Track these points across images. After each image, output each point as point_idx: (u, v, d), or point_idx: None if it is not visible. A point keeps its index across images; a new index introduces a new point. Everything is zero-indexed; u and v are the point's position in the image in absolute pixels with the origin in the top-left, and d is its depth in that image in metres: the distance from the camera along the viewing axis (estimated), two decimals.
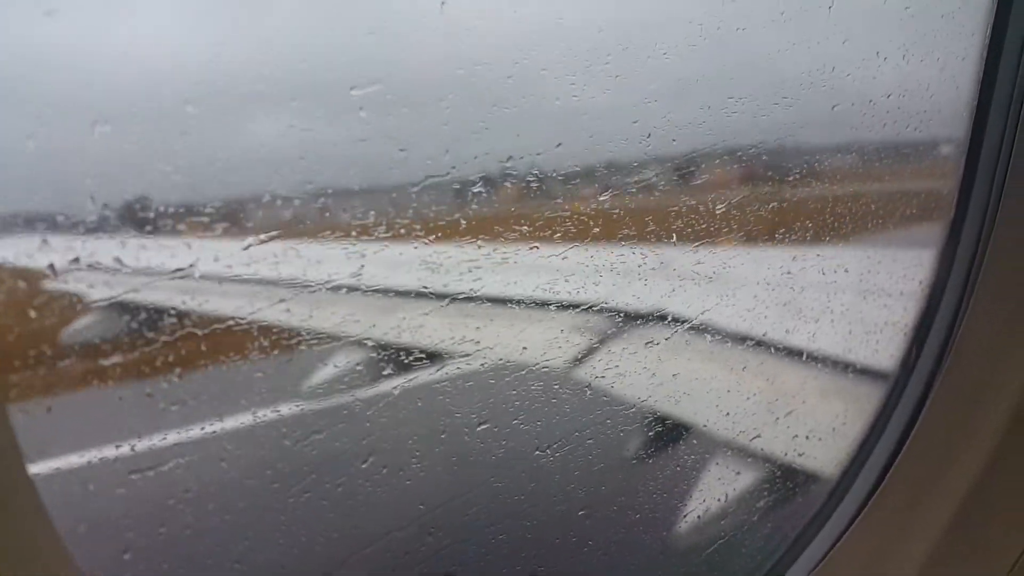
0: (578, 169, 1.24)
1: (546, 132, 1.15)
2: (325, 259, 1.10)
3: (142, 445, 1.07)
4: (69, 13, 0.87)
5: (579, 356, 1.47)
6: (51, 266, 0.89)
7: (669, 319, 1.52)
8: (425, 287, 1.19)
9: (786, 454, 1.71)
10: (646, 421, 1.60)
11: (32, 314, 0.95)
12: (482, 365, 1.31)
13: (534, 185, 1.19)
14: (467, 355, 1.26)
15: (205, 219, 0.99)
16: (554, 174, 1.19)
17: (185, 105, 0.92)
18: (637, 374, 1.51)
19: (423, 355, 1.24)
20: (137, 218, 0.97)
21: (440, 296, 1.19)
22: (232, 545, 1.21)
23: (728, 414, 1.69)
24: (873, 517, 1.43)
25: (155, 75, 0.95)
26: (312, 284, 1.09)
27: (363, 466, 1.14)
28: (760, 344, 1.64)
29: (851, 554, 1.45)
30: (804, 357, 1.68)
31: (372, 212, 1.11)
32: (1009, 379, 1.27)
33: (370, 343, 1.21)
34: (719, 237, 1.47)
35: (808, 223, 1.61)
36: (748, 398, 1.70)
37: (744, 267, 1.55)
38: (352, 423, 1.19)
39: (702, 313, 1.53)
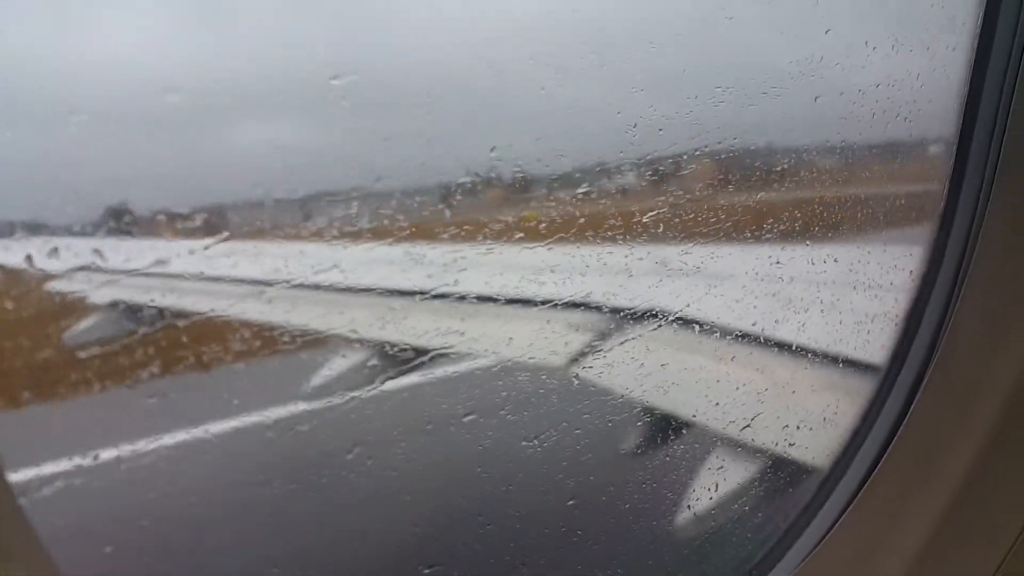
0: (564, 159, 1.23)
1: (531, 122, 1.14)
2: (310, 257, 1.10)
3: (125, 449, 1.07)
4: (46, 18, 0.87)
5: (566, 348, 1.47)
6: (28, 257, 0.89)
7: (657, 311, 1.52)
8: (409, 282, 1.19)
9: (776, 445, 1.71)
10: (635, 412, 1.60)
11: (7, 317, 0.95)
12: (467, 357, 1.31)
13: (518, 176, 1.19)
14: (452, 347, 1.26)
15: (184, 221, 0.99)
16: (539, 163, 1.19)
17: (170, 101, 0.91)
18: (625, 364, 1.51)
19: (408, 348, 1.24)
20: (122, 220, 0.97)
21: (424, 291, 1.19)
22: (218, 543, 1.22)
23: (717, 404, 1.69)
24: (864, 508, 1.44)
25: (143, 76, 0.94)
26: (294, 282, 1.08)
27: (348, 457, 1.14)
28: (748, 336, 1.64)
29: (842, 545, 1.46)
30: (793, 349, 1.68)
31: (354, 208, 1.11)
32: (1000, 371, 1.27)
33: (354, 338, 1.21)
34: (706, 228, 1.46)
35: (797, 214, 1.61)
36: (737, 388, 1.70)
37: (732, 259, 1.55)
38: (337, 415, 1.19)
39: (689, 305, 1.53)
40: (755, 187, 1.51)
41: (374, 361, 1.22)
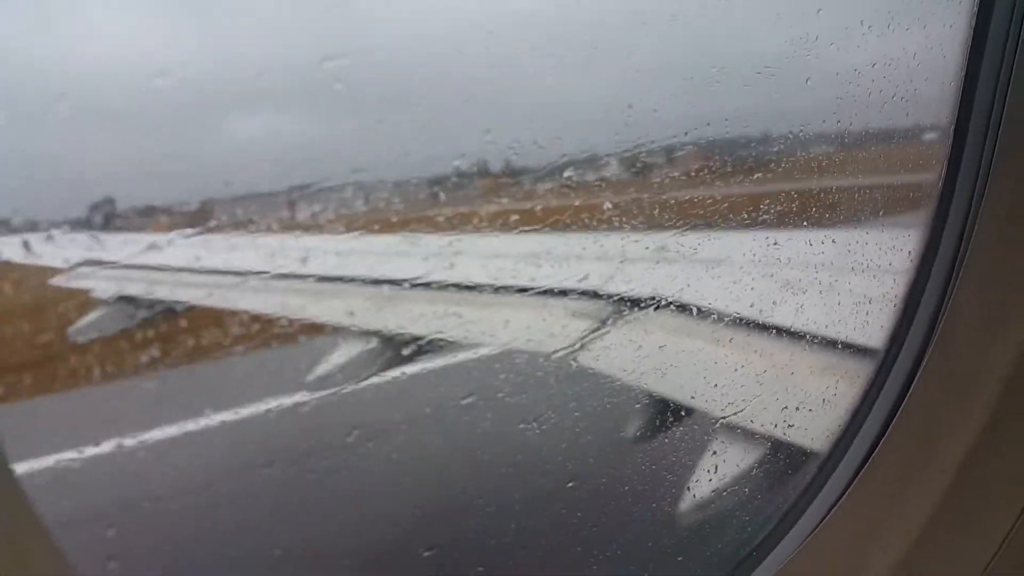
0: (559, 142, 1.23)
1: (526, 107, 1.14)
2: (307, 249, 1.10)
3: (130, 440, 1.08)
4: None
5: (564, 331, 1.47)
6: (25, 243, 0.89)
7: (653, 295, 1.52)
8: (407, 268, 1.19)
9: (775, 428, 1.71)
10: (632, 395, 1.60)
11: (8, 313, 0.95)
12: (466, 342, 1.31)
13: (514, 161, 1.19)
14: (450, 332, 1.26)
15: (171, 215, 0.99)
16: (535, 147, 1.19)
17: (159, 86, 0.91)
18: (622, 348, 1.51)
19: (407, 333, 1.24)
20: (107, 213, 0.97)
21: (421, 278, 1.19)
22: (221, 527, 1.22)
23: (716, 386, 1.69)
24: (863, 491, 1.43)
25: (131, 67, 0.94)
26: (284, 272, 1.09)
27: (348, 441, 1.14)
28: (746, 319, 1.64)
29: (841, 528, 1.45)
30: (791, 332, 1.68)
31: (350, 199, 1.11)
32: (998, 353, 1.27)
33: (354, 325, 1.22)
34: (702, 211, 1.46)
35: (793, 195, 1.60)
36: (735, 370, 1.70)
37: (728, 242, 1.54)
38: (337, 398, 1.20)
39: (685, 288, 1.52)
40: (751, 170, 1.50)
41: (373, 348, 1.22)
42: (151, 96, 0.88)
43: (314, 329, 1.18)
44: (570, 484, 1.45)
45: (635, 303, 1.51)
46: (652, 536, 1.67)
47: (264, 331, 1.10)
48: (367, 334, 1.27)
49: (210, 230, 1.00)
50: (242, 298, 1.08)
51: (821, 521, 1.46)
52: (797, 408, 1.71)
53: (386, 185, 1.13)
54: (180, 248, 0.99)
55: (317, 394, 1.23)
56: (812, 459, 1.62)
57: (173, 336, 1.03)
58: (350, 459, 1.20)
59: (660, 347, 1.57)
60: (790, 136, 1.52)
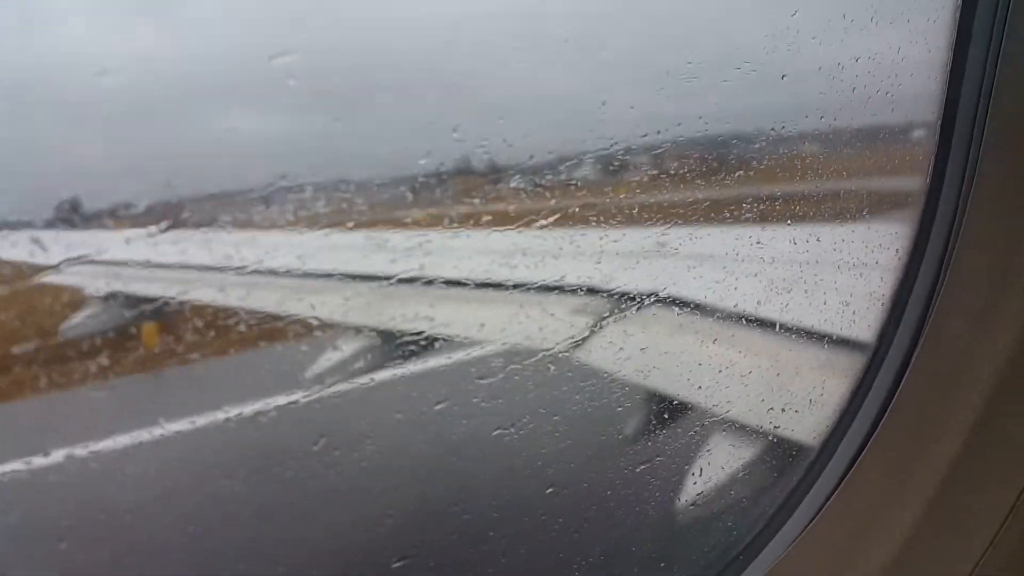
0: (530, 139, 1.21)
1: (499, 103, 1.12)
2: (281, 246, 1.09)
3: (127, 441, 1.07)
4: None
5: (540, 333, 1.45)
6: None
7: (635, 293, 1.50)
8: (373, 267, 1.18)
9: (762, 427, 1.71)
10: (615, 397, 1.59)
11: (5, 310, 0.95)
12: (439, 344, 1.29)
13: (499, 161, 1.17)
14: (421, 333, 1.25)
15: (134, 212, 0.98)
16: (505, 145, 1.17)
17: (106, 85, 0.90)
18: (604, 348, 1.50)
19: (376, 335, 1.23)
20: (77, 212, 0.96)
21: (390, 277, 1.18)
22: (188, 536, 1.21)
23: (700, 387, 1.68)
24: (852, 490, 1.43)
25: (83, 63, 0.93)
26: (250, 269, 1.07)
27: (314, 448, 1.13)
28: (731, 316, 1.63)
29: (830, 527, 1.45)
30: (777, 329, 1.67)
31: (333, 197, 1.10)
32: (987, 351, 1.27)
33: (318, 325, 1.20)
34: (683, 209, 1.45)
35: (776, 192, 1.59)
36: (720, 370, 1.69)
37: (712, 240, 1.53)
38: (303, 405, 1.18)
39: (669, 286, 1.51)
40: (731, 168, 1.49)
41: (340, 351, 1.21)
42: (99, 93, 0.87)
43: (309, 328, 1.16)
44: (549, 490, 1.44)
45: (617, 301, 1.50)
46: (636, 540, 1.66)
47: (233, 329, 1.08)
48: (322, 327, 1.25)
49: (158, 228, 0.98)
50: (197, 293, 1.07)
51: (810, 522, 1.46)
52: (783, 409, 1.70)
53: (367, 183, 1.12)
54: (159, 245, 0.98)
55: (283, 398, 1.22)
56: (800, 459, 1.62)
57: (151, 337, 1.02)
58: (315, 466, 1.18)
59: (642, 349, 1.56)
60: (772, 133, 1.50)
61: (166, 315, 1.04)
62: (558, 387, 1.45)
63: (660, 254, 1.46)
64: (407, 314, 1.22)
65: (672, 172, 1.41)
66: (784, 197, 1.60)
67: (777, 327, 1.67)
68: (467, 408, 1.28)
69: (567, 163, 1.27)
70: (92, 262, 0.94)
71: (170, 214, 0.99)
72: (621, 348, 1.51)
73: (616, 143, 1.26)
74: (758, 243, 1.57)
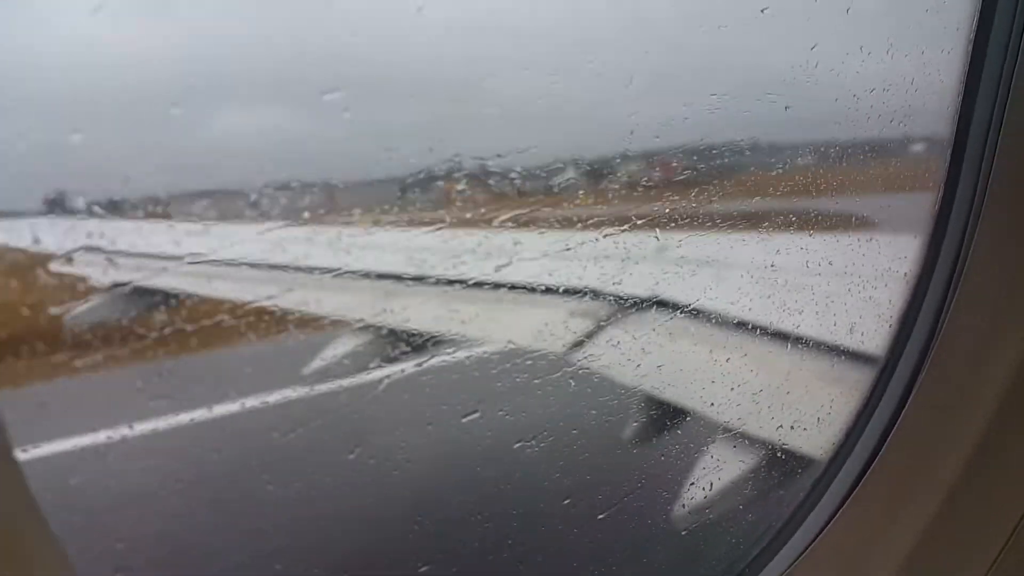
0: (560, 166, 1.24)
1: (528, 129, 1.15)
2: (313, 247, 1.11)
3: (133, 432, 1.07)
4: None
5: (566, 344, 1.47)
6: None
7: (657, 307, 1.52)
8: (414, 272, 1.20)
9: (772, 439, 1.72)
10: (631, 410, 1.61)
11: (13, 298, 0.96)
12: (467, 356, 1.31)
13: (515, 180, 1.20)
14: (453, 343, 1.27)
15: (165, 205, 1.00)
16: (536, 171, 1.20)
17: (170, 103, 0.93)
18: (621, 366, 1.51)
19: (408, 345, 1.25)
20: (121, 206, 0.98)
21: (422, 279, 1.20)
22: (222, 534, 1.23)
23: (712, 404, 1.69)
24: (859, 505, 1.44)
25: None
26: (304, 270, 1.09)
27: (350, 457, 1.15)
28: (746, 328, 1.64)
29: (837, 541, 1.46)
30: (788, 344, 1.68)
31: (360, 205, 1.12)
32: (995, 367, 1.27)
33: (355, 331, 1.22)
34: (702, 230, 1.47)
35: (791, 216, 1.61)
36: (732, 388, 1.71)
37: (729, 258, 1.55)
38: (339, 414, 1.20)
39: (695, 302, 1.53)
40: (749, 191, 1.51)
41: (374, 359, 1.23)
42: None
43: (306, 327, 1.18)
44: (566, 501, 1.45)
45: (637, 313, 1.52)
46: (648, 551, 1.67)
47: (256, 326, 1.09)
48: (360, 333, 1.27)
49: (194, 220, 1.01)
50: (237, 292, 1.08)
51: (817, 536, 1.47)
52: (794, 422, 1.72)
53: (390, 194, 1.14)
54: (169, 237, 1.00)
55: (307, 394, 1.24)
56: (808, 473, 1.63)
57: (158, 330, 1.02)
58: (345, 471, 1.20)
59: (659, 367, 1.58)
60: (788, 158, 1.53)
61: (171, 307, 1.04)
62: (577, 400, 1.46)
63: (678, 269, 1.48)
64: (441, 326, 1.24)
65: (692, 197, 1.43)
66: (799, 217, 1.62)
67: (789, 338, 1.68)
68: (493, 419, 1.30)
69: (594, 185, 1.30)
70: (100, 251, 0.96)
71: (178, 207, 1.01)
72: (638, 365, 1.53)
73: (639, 169, 1.29)
74: (771, 266, 1.59)
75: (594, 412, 1.51)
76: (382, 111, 1.12)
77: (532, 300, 1.40)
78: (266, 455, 1.19)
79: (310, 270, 1.13)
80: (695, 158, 1.38)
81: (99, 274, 0.97)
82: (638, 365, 1.56)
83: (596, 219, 1.37)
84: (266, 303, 1.10)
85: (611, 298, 1.50)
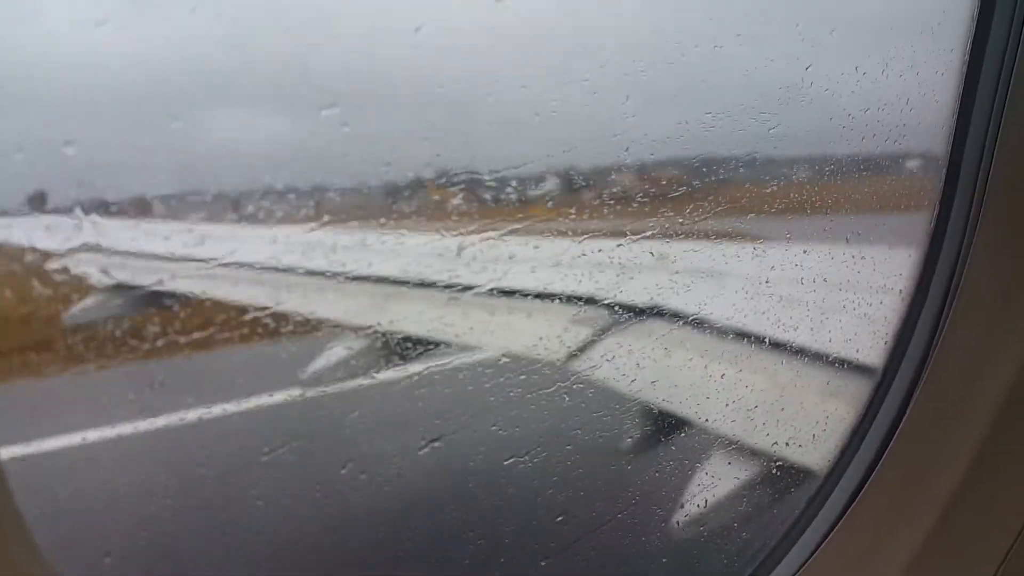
0: (556, 180, 1.25)
1: (524, 144, 1.16)
2: (312, 249, 1.12)
3: (121, 433, 1.07)
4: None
5: (560, 358, 1.47)
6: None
7: (652, 319, 1.53)
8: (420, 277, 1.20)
9: (770, 452, 1.72)
10: (625, 425, 1.61)
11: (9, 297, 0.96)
12: (458, 366, 1.31)
13: (511, 193, 1.21)
14: (445, 352, 1.27)
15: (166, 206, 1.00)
16: (532, 185, 1.21)
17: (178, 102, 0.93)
18: (615, 380, 1.52)
19: (400, 356, 1.25)
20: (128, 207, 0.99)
21: (419, 286, 1.20)
22: (210, 539, 1.22)
23: (708, 420, 1.70)
24: (860, 515, 1.43)
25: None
26: (299, 274, 1.10)
27: (342, 472, 1.15)
28: (742, 344, 1.65)
29: (837, 552, 1.46)
30: (784, 358, 1.68)
31: (356, 214, 1.13)
32: (993, 377, 1.28)
33: (348, 338, 1.22)
34: (697, 244, 1.47)
35: (787, 234, 1.62)
36: (727, 404, 1.71)
37: (724, 272, 1.55)
38: (330, 425, 1.21)
39: (691, 316, 1.53)
40: (744, 207, 1.52)
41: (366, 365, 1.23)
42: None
43: (295, 332, 1.18)
44: (559, 518, 1.45)
45: (616, 321, 1.52)
46: (646, 566, 1.67)
47: (253, 330, 1.10)
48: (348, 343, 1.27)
49: (194, 221, 1.01)
50: (239, 293, 1.08)
51: (817, 547, 1.47)
52: (789, 438, 1.72)
53: (388, 206, 1.15)
54: (168, 238, 1.01)
55: (303, 396, 1.24)
56: (809, 482, 1.63)
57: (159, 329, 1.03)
58: (337, 485, 1.20)
59: (653, 382, 1.58)
60: (783, 175, 1.54)
61: (168, 306, 1.04)
62: (571, 415, 1.46)
63: (687, 281, 1.48)
64: (436, 331, 1.24)
65: (687, 214, 1.44)
66: (793, 233, 1.62)
67: (785, 348, 1.68)
68: (485, 434, 1.29)
69: (589, 200, 1.30)
70: (99, 251, 0.96)
71: (180, 208, 1.02)
72: (633, 380, 1.53)
73: (634, 186, 1.29)
74: (766, 283, 1.60)
75: (588, 426, 1.51)
76: (380, 125, 1.13)
77: (528, 309, 1.40)
78: (256, 471, 1.19)
79: (305, 274, 1.14)
80: (690, 174, 1.39)
81: (96, 274, 0.97)
82: (633, 380, 1.56)
83: (590, 233, 1.37)
84: (261, 309, 1.10)
85: (605, 311, 1.51)
